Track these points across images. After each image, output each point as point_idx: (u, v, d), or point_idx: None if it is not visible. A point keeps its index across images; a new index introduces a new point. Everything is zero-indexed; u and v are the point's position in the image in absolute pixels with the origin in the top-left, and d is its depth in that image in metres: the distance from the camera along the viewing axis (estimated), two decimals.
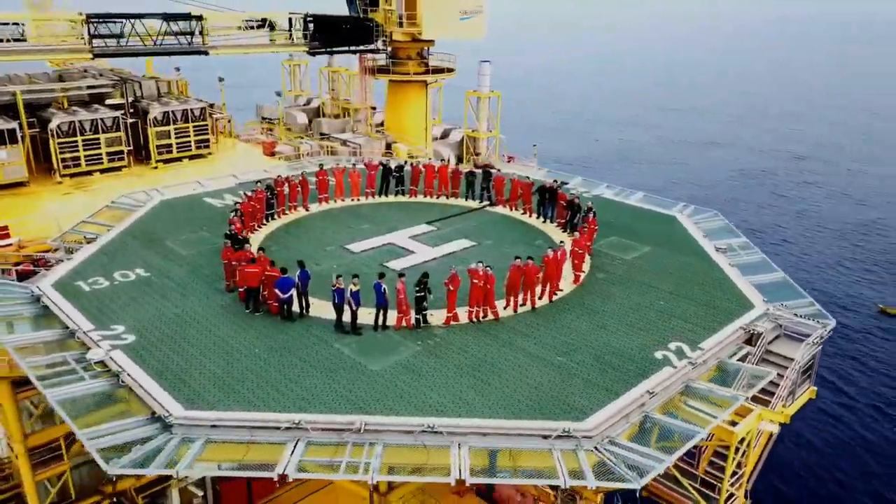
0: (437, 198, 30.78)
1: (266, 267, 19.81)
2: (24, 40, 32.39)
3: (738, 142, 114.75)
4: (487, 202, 29.81)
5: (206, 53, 39.50)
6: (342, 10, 45.13)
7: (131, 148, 36.27)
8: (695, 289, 22.26)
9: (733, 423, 16.81)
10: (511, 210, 29.18)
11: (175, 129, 37.25)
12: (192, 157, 38.30)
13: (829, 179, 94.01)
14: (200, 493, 33.02)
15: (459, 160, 40.95)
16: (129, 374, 16.72)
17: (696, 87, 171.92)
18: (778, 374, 18.33)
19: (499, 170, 30.04)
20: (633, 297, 21.65)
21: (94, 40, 34.90)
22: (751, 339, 19.84)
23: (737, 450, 17.17)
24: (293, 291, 19.33)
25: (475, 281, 19.35)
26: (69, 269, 22.39)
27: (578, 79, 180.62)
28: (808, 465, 35.94)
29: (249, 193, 26.67)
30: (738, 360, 18.88)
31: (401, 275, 19.46)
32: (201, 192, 30.80)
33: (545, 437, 15.09)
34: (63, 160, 33.89)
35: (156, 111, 36.28)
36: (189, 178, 32.91)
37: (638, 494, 17.82)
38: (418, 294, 18.81)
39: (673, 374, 17.44)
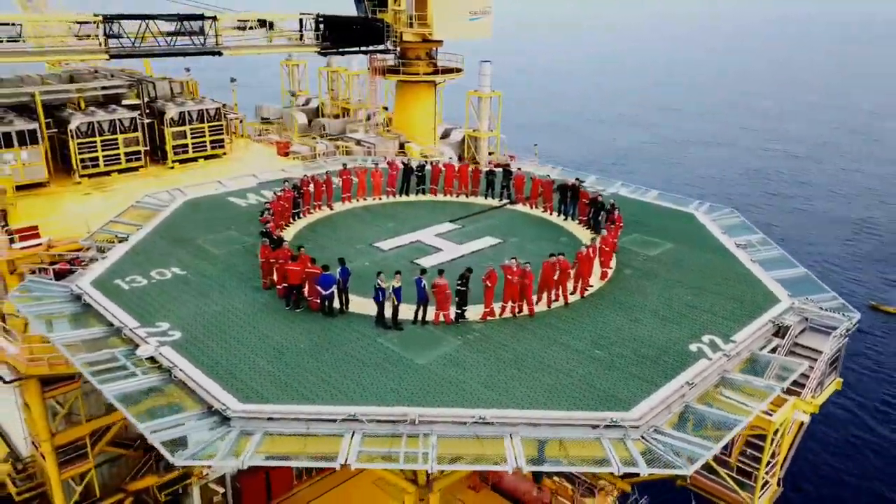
0: (457, 196, 31.23)
1: (307, 264, 20.16)
2: (23, 41, 32.54)
3: (738, 141, 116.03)
4: (507, 200, 30.28)
5: (220, 54, 39.79)
6: (349, 10, 45.53)
7: (148, 148, 36.49)
8: (720, 284, 22.81)
9: (769, 413, 17.33)
10: (531, 208, 29.66)
11: (191, 129, 37.48)
12: (207, 158, 38.54)
13: (824, 178, 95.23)
14: (221, 491, 33.36)
15: (460, 159, 41.43)
16: (180, 370, 17.05)
17: (696, 86, 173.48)
18: (808, 366, 18.90)
19: (519, 168, 30.47)
20: (661, 292, 22.17)
21: (109, 41, 35.27)
22: (778, 332, 20.39)
23: (771, 440, 17.71)
24: (335, 288, 19.70)
25: (509, 277, 19.80)
26: (105, 267, 22.66)
27: (578, 78, 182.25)
28: (829, 453, 37.32)
29: (279, 192, 26.99)
30: (769, 352, 19.44)
31: (440, 271, 19.86)
32: (223, 191, 31.09)
33: (594, 426, 15.57)
34: (82, 161, 34.10)
35: (172, 112, 36.51)
36: (206, 178, 33.19)
37: (676, 484, 18.38)
38: (461, 289, 19.24)
39: (709, 365, 17.96)
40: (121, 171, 35.52)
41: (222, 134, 38.89)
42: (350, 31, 43.21)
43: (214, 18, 38.99)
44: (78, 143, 33.72)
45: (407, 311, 19.74)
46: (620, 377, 17.39)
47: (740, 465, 18.40)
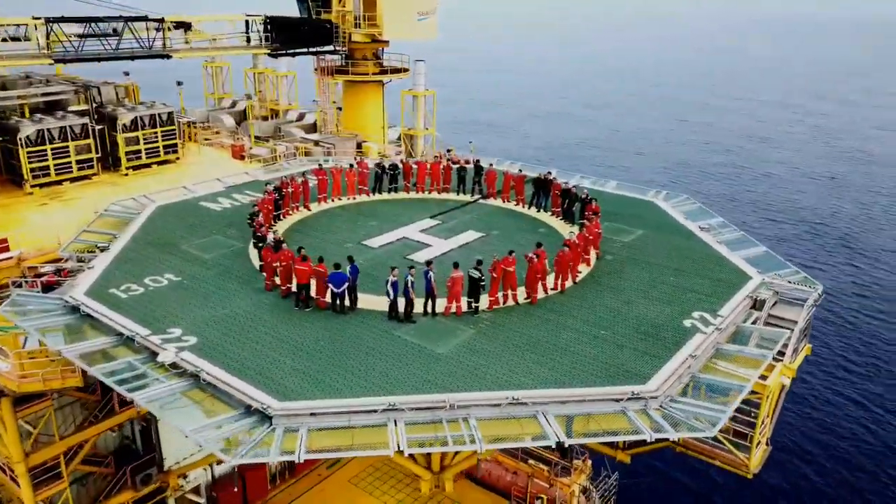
0: (430, 193, 31.93)
1: (312, 264, 20.44)
2: None
3: (678, 134, 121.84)
4: (480, 195, 31.23)
5: (169, 57, 39.04)
6: (290, 11, 45.30)
7: (100, 155, 35.36)
8: (695, 265, 24.52)
9: (762, 378, 18.97)
10: (504, 202, 30.73)
11: (143, 134, 36.57)
12: (160, 163, 37.67)
13: (751, 166, 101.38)
14: (199, 501, 32.99)
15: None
16: (207, 373, 17.08)
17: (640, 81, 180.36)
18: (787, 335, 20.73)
19: (491, 164, 31.46)
20: (644, 275, 23.65)
21: (53, 45, 34.03)
22: (755, 305, 22.22)
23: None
24: (346, 285, 20.08)
25: (509, 269, 20.79)
26: (95, 277, 22.15)
27: (524, 76, 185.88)
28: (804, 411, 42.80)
29: (263, 196, 26.95)
30: (751, 324, 21.18)
31: (455, 264, 20.57)
32: (191, 196, 30.64)
33: (617, 400, 16.72)
34: (32, 170, 32.73)
35: (125, 117, 35.51)
36: (164, 184, 32.57)
37: (676, 450, 19.78)
38: (481, 282, 20.02)
39: (704, 339, 19.45)
40: (72, 180, 34.32)
41: (175, 139, 38.10)
42: (299, 32, 43.13)
43: (161, 21, 38.20)
44: (28, 153, 32.35)
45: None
46: (629, 354, 18.63)
47: (735, 427, 19.99)
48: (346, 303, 20.46)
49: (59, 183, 33.74)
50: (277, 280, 21.62)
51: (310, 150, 38.37)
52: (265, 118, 49.82)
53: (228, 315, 20.16)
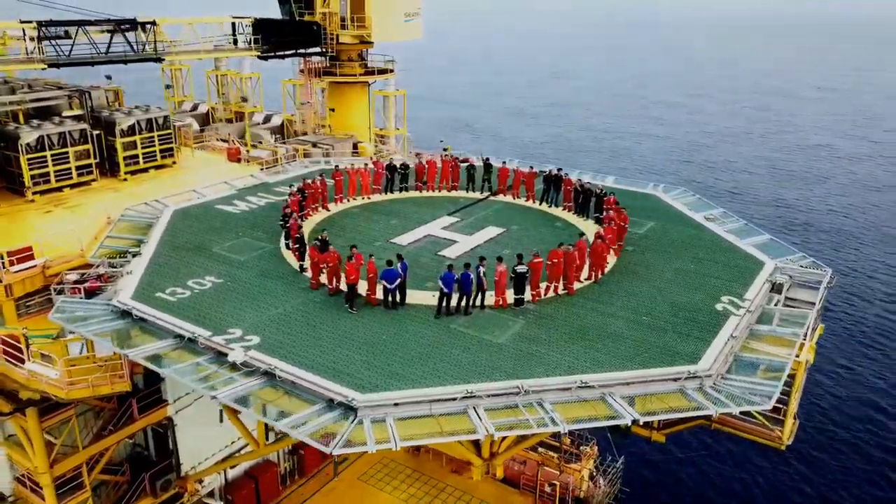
0: (440, 191, 32.63)
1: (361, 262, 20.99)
2: None
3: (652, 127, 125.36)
4: (489, 192, 32.09)
5: (161, 60, 38.75)
6: (270, 13, 45.24)
7: (98, 161, 34.83)
8: (711, 253, 25.91)
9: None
10: (514, 198, 31.67)
11: (141, 139, 36.14)
12: (157, 168, 37.30)
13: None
14: None
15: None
16: (282, 371, 17.45)
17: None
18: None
19: (504, 162, 32.40)
20: (666, 264, 24.90)
21: (45, 50, 33.45)
22: (773, 289, 23.69)
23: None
24: (398, 281, 20.66)
25: (555, 260, 21.70)
26: (136, 282, 22.15)
27: (494, 74, 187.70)
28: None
29: (288, 198, 27.20)
30: (773, 306, 22.62)
31: (499, 259, 21.36)
32: (205, 200, 30.60)
33: (675, 379, 17.81)
34: (33, 177, 32.07)
35: (124, 121, 35.05)
36: (169, 189, 32.41)
37: (712, 427, 20.97)
38: (524, 276, 20.87)
39: (739, 320, 20.76)
40: (72, 187, 33.72)
41: (171, 143, 37.75)
42: (287, 34, 43.18)
43: (153, 23, 37.82)
44: (28, 159, 31.69)
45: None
46: (673, 336, 19.77)
47: None
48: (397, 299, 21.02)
49: (59, 189, 33.13)
50: (323, 279, 22.03)
51: (309, 152, 38.56)
52: (229, 121, 49.58)
53: (283, 314, 20.50)
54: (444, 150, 39.54)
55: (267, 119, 49.03)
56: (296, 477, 36.32)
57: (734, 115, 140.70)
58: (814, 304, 22.70)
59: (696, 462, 39.71)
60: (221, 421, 29.77)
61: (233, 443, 31.87)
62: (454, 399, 16.67)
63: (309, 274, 23.06)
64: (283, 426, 15.54)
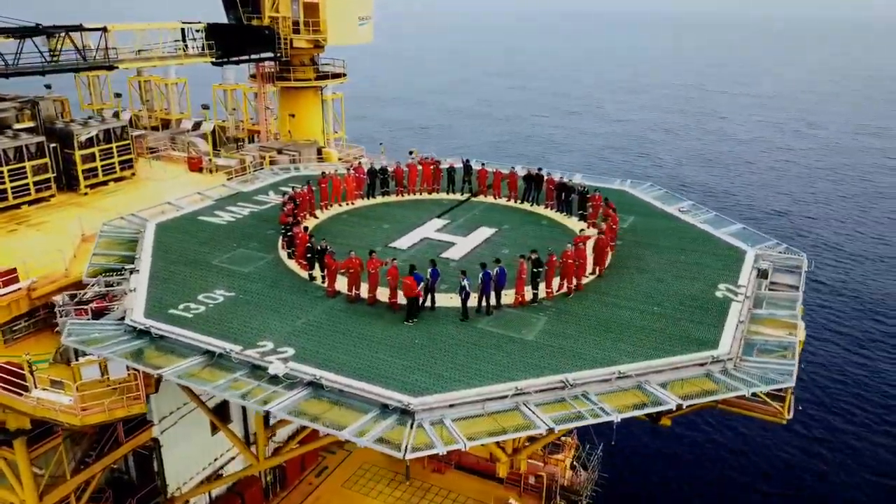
0: (421, 194, 32.89)
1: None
2: None
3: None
4: (470, 193, 32.61)
5: (115, 68, 37.21)
6: (218, 20, 44.21)
7: (56, 175, 33.16)
8: (694, 243, 27.34)
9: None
10: (496, 198, 32.31)
11: (100, 150, 34.64)
12: (116, 180, 35.83)
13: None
14: None
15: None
16: (328, 380, 17.38)
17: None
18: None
19: (483, 163, 32.96)
20: (657, 256, 26.10)
21: None
22: (759, 275, 25.26)
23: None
24: (422, 286, 20.86)
25: (569, 261, 22.47)
26: (144, 300, 21.40)
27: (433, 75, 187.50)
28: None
29: (283, 209, 26.80)
30: (764, 291, 24.17)
31: (521, 256, 21.88)
32: (186, 212, 29.67)
33: (701, 364, 18.87)
34: None
35: (82, 132, 33.49)
36: (137, 202, 31.31)
37: (717, 407, 22.26)
38: (536, 270, 21.49)
39: (741, 306, 22.13)
40: (31, 203, 32.00)
41: (130, 153, 36.34)
42: (242, 39, 42.26)
43: (104, 30, 36.26)
44: None
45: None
46: (688, 324, 20.87)
47: None
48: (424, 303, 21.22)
49: (17, 207, 31.39)
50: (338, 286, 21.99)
51: (275, 159, 37.93)
52: (154, 128, 48.04)
53: (309, 324, 20.34)
54: (410, 153, 39.73)
55: (197, 126, 47.88)
56: (278, 490, 35.77)
57: (665, 112, 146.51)
58: (796, 287, 24.39)
59: (671, 445, 41.58)
60: (213, 434, 29.25)
61: (216, 460, 31.20)
62: (505, 397, 17.09)
63: (319, 282, 22.94)
64: (349, 435, 15.53)
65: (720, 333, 20.31)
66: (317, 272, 23.26)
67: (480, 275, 20.82)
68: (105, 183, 35.22)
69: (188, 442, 28.81)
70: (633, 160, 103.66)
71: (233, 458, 31.93)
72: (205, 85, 50.33)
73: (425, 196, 32.85)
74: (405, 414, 16.43)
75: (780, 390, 22.04)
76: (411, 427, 15.98)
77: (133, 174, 36.68)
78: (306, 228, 24.61)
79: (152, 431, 27.69)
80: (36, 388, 20.16)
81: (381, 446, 15.24)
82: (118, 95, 42.74)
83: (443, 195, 32.92)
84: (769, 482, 39.49)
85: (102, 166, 34.92)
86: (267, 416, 29.96)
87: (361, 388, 17.13)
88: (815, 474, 39.83)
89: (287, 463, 34.63)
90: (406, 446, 15.20)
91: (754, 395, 22.01)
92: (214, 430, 29.65)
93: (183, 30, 40.95)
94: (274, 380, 17.65)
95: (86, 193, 33.98)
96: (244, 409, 29.90)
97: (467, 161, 33.26)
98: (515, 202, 31.94)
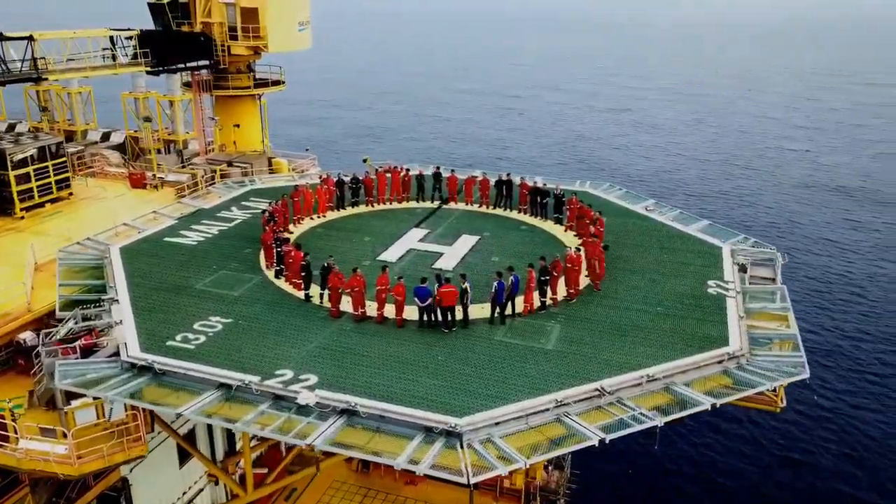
0: (391, 203, 32.20)
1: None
2: None
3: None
4: (441, 201, 32.22)
5: (44, 79, 34.58)
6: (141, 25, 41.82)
7: None
8: (670, 241, 28.05)
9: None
10: (467, 204, 32.08)
11: (35, 170, 31.92)
12: (53, 201, 33.15)
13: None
14: None
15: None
16: (364, 406, 16.65)
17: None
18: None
19: (452, 171, 32.60)
20: (642, 256, 26.60)
21: None
22: (740, 269, 26.21)
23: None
24: (429, 300, 20.34)
25: (569, 265, 22.56)
26: (134, 332, 19.82)
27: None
28: None
29: (265, 228, 25.48)
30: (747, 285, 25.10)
31: (530, 266, 21.71)
32: (149, 234, 27.73)
33: (719, 362, 19.36)
34: None
35: (16, 152, 30.73)
36: (84, 225, 29.33)
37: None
38: (543, 278, 21.43)
39: (735, 302, 22.89)
40: None
41: (67, 172, 33.70)
42: (176, 46, 40.12)
43: (31, 38, 33.49)
44: None
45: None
46: (695, 322, 21.36)
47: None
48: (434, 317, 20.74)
49: None
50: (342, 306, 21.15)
51: (227, 173, 36.17)
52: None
53: (323, 347, 19.44)
54: (364, 160, 38.90)
55: (105, 137, 44.97)
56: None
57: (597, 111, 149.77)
58: (773, 279, 25.49)
59: (641, 436, 42.36)
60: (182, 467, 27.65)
61: (184, 493, 29.54)
62: (547, 409, 16.92)
63: (317, 301, 22.03)
64: (402, 463, 14.91)
65: (726, 329, 20.89)
66: (314, 291, 22.29)
67: (495, 284, 20.57)
68: (42, 205, 32.53)
69: (157, 477, 27.11)
70: (569, 161, 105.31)
71: (201, 491, 30.35)
72: (112, 95, 47.18)
73: (395, 206, 32.19)
74: (451, 436, 15.95)
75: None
76: (461, 449, 15.55)
77: (70, 194, 34.05)
78: (298, 246, 23.43)
79: (120, 471, 25.82)
80: (24, 437, 18.26)
81: (441, 472, 14.71)
82: (44, 110, 39.41)
83: (413, 203, 32.38)
84: (747, 473, 40.70)
85: (38, 187, 32.21)
86: (232, 442, 28.69)
87: (400, 412, 16.51)
88: (792, 464, 41.09)
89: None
90: (468, 472, 14.73)
91: None
92: (182, 462, 28.11)
93: (112, 37, 38.41)
94: (303, 410, 16.75)
95: (22, 217, 31.23)
96: (211, 437, 28.42)
97: (438, 168, 32.86)
98: (488, 208, 31.82)
